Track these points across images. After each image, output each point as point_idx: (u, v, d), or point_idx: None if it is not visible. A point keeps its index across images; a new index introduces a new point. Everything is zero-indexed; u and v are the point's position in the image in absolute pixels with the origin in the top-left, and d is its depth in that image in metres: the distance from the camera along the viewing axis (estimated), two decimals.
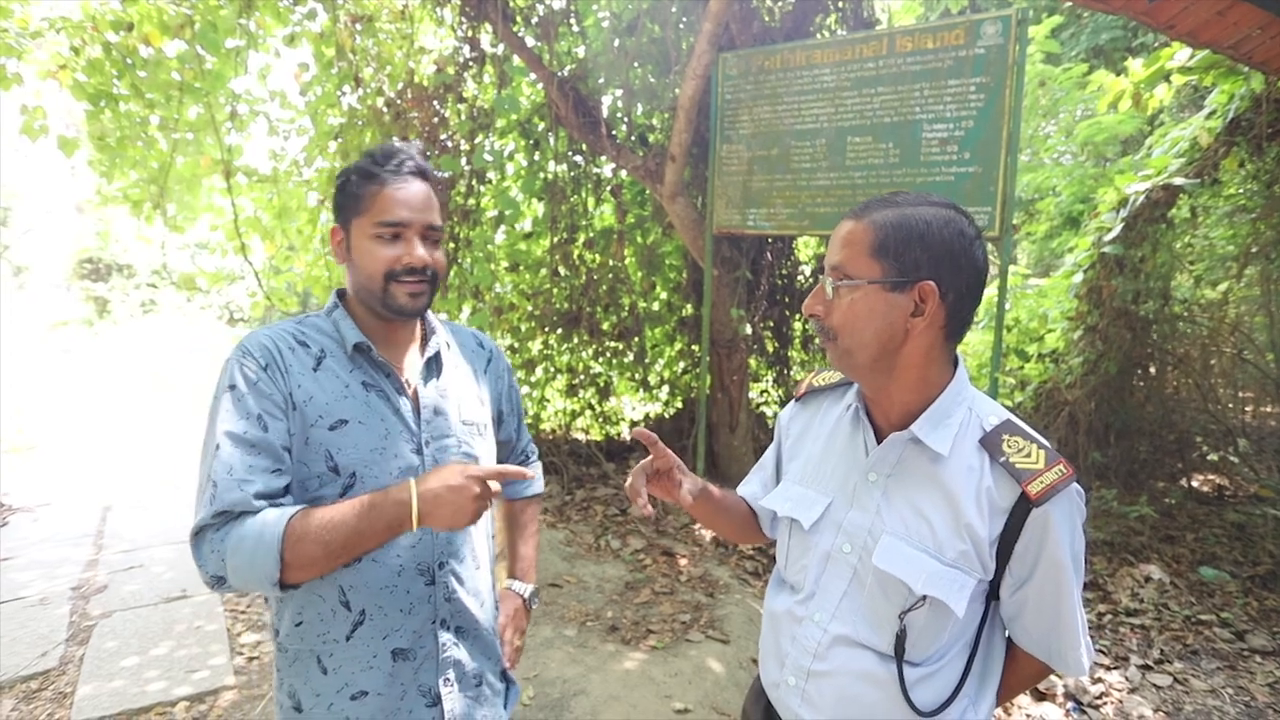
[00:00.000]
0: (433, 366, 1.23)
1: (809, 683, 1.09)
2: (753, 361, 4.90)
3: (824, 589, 1.09)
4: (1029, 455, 0.99)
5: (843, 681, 1.06)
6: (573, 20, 4.50)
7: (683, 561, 3.70)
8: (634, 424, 5.64)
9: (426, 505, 0.99)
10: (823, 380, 1.25)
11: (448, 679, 1.20)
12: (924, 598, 0.99)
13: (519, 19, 4.45)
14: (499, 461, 1.44)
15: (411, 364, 1.23)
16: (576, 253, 4.87)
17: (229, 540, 0.98)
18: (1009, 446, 1.01)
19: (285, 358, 1.10)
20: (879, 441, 1.08)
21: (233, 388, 1.06)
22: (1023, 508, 0.97)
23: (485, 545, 1.30)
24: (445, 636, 1.19)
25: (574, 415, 5.18)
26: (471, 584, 1.23)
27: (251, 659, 2.98)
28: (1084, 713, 2.72)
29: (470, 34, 4.53)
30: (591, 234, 4.90)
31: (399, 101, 4.42)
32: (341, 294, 1.23)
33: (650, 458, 1.15)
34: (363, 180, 1.12)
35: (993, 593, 1.06)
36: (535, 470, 1.55)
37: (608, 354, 5.10)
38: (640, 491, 1.13)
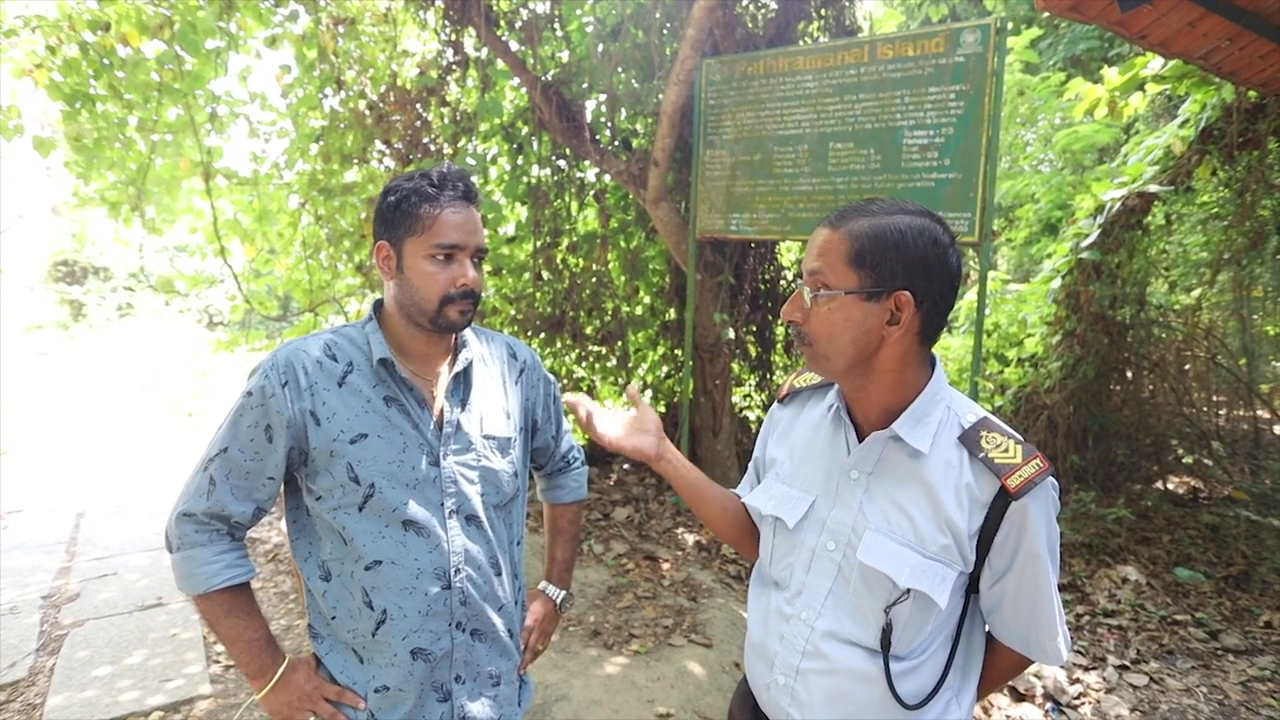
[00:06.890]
0: (460, 380, 1.27)
1: (798, 681, 1.11)
2: (736, 366, 4.92)
3: (810, 587, 1.11)
4: (1007, 450, 1.02)
5: (831, 679, 1.08)
6: (557, 25, 4.50)
7: (665, 566, 3.70)
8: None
9: (269, 702, 1.20)
10: (804, 381, 1.27)
11: (460, 678, 1.25)
12: (908, 591, 1.02)
13: (502, 23, 4.45)
14: (538, 466, 1.52)
15: (441, 377, 1.26)
16: (560, 257, 4.86)
17: (185, 550, 1.17)
18: (987, 443, 1.03)
19: (310, 375, 1.17)
20: (860, 440, 1.10)
21: (249, 394, 1.16)
22: (1002, 501, 1.00)
23: (509, 551, 1.33)
24: (460, 638, 1.24)
25: None
26: (489, 588, 1.26)
27: (228, 667, 2.93)
28: (1063, 713, 2.75)
29: (453, 37, 4.52)
30: (575, 238, 4.90)
31: (381, 104, 4.40)
32: (378, 306, 1.27)
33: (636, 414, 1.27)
34: (421, 201, 1.16)
35: (972, 586, 1.08)
36: (578, 476, 1.56)
37: (591, 358, 5.09)
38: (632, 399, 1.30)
